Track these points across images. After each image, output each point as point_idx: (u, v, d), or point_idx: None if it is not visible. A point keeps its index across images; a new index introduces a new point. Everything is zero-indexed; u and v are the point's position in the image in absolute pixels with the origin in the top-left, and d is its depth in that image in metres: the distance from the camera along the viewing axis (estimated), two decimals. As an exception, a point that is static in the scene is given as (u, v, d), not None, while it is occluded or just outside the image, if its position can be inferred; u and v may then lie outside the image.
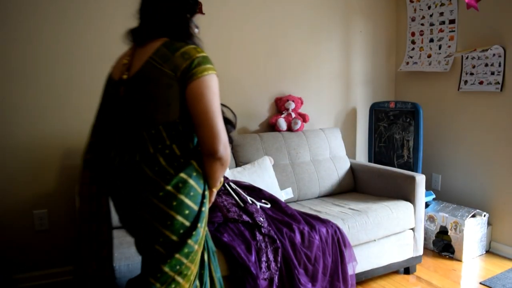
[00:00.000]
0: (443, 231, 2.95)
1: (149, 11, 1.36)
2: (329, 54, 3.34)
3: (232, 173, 2.50)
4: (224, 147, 1.29)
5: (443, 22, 3.21)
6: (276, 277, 1.98)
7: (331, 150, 3.07)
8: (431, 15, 3.29)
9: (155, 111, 1.29)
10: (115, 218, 1.47)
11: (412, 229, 2.61)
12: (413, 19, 3.44)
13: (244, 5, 2.95)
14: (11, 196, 2.39)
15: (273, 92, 3.14)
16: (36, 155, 2.43)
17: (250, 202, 2.22)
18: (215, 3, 2.80)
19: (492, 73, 2.89)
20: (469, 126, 3.11)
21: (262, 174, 2.59)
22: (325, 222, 2.24)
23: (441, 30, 3.23)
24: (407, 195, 2.64)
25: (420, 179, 2.63)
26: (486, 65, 2.92)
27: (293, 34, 3.16)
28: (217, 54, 2.92)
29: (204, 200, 1.34)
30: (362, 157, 3.61)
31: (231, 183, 2.29)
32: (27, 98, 2.39)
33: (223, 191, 2.23)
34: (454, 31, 3.14)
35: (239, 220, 2.08)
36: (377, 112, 3.37)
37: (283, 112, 3.07)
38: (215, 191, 1.43)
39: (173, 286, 1.28)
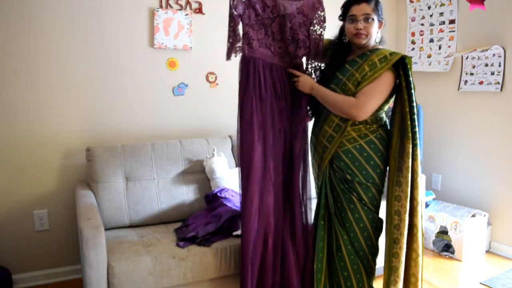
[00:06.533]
0: (443, 231, 2.96)
1: None
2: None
3: (232, 173, 2.50)
4: None
5: (443, 22, 3.21)
6: None
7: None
8: (431, 15, 3.30)
9: None
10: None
11: (412, 229, 2.61)
12: (413, 19, 3.44)
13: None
14: (11, 196, 2.39)
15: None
16: (36, 155, 2.43)
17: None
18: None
19: (492, 73, 2.89)
20: (469, 126, 3.11)
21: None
22: None
23: (441, 30, 3.23)
24: (407, 195, 2.63)
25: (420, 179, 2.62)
26: (486, 65, 2.93)
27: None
28: (221, 54, 2.93)
29: None
30: (362, 157, 3.60)
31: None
32: (27, 98, 2.38)
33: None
34: (454, 31, 3.14)
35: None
36: (377, 112, 3.37)
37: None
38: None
39: None
